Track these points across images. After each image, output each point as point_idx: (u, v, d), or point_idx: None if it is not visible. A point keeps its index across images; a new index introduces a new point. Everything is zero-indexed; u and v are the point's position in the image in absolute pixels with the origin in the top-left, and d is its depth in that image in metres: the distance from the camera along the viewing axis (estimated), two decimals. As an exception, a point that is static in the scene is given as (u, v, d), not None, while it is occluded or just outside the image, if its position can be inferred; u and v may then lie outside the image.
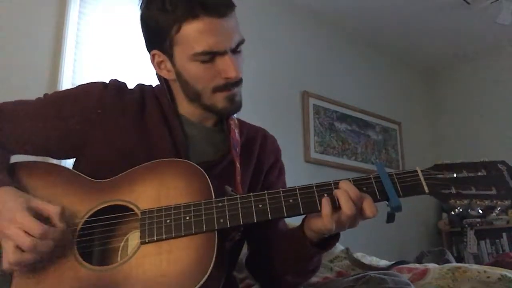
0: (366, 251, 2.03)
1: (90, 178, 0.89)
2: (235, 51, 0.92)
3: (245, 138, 1.06)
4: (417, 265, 1.50)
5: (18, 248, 0.75)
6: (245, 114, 1.12)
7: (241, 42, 0.93)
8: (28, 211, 0.77)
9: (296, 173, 2.97)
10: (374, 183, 0.81)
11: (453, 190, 0.79)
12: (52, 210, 0.79)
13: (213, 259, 0.77)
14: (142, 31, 0.97)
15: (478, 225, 3.58)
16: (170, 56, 0.93)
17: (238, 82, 0.94)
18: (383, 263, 1.82)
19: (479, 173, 0.80)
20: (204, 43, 0.87)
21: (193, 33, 0.87)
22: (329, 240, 0.88)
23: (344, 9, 3.57)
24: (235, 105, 0.96)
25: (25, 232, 0.75)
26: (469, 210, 0.78)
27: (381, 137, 3.93)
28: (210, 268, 0.76)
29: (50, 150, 0.99)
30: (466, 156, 0.85)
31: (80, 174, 0.91)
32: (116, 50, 2.44)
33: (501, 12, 3.40)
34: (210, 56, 0.89)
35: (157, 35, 0.92)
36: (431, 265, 1.42)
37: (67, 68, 2.23)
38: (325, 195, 0.80)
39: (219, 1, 0.88)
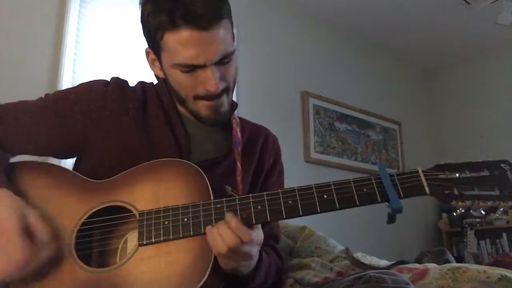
0: (366, 251, 2.02)
1: (88, 179, 0.89)
2: (220, 63, 0.89)
3: (247, 137, 1.06)
4: (417, 265, 1.50)
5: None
6: (245, 114, 1.12)
7: (228, 54, 0.90)
8: (19, 228, 0.75)
9: (296, 173, 2.97)
10: (374, 184, 0.80)
11: (455, 191, 0.78)
12: (40, 235, 0.77)
13: (211, 261, 0.77)
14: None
15: (478, 225, 3.57)
16: (159, 58, 0.94)
17: (220, 94, 0.92)
18: (383, 263, 1.82)
19: (482, 173, 0.79)
20: (184, 55, 0.86)
21: (174, 44, 0.86)
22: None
23: (344, 9, 3.56)
24: (219, 115, 0.95)
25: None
26: (471, 211, 0.77)
27: (381, 137, 3.93)
28: (208, 270, 0.76)
29: (52, 150, 0.99)
30: (467, 157, 0.84)
31: (78, 174, 0.91)
32: (116, 50, 2.43)
33: (501, 12, 3.40)
34: (190, 68, 0.88)
35: (148, 36, 0.92)
36: (431, 265, 1.42)
37: (67, 68, 2.23)
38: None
39: (203, 14, 0.83)
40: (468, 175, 0.79)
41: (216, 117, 0.95)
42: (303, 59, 3.49)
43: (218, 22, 0.86)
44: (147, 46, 0.96)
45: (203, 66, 0.87)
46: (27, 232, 0.77)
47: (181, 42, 0.85)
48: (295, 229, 1.91)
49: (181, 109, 1.00)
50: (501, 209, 0.76)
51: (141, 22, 0.93)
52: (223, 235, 0.76)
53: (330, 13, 3.60)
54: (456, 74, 4.50)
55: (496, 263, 2.40)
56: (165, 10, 0.85)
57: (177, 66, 0.88)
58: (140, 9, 0.93)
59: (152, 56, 0.96)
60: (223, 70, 0.90)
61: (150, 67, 0.99)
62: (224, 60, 0.89)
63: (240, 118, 1.09)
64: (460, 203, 0.77)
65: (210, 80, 0.88)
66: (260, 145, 1.07)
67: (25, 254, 0.74)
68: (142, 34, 0.96)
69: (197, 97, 0.92)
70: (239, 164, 0.98)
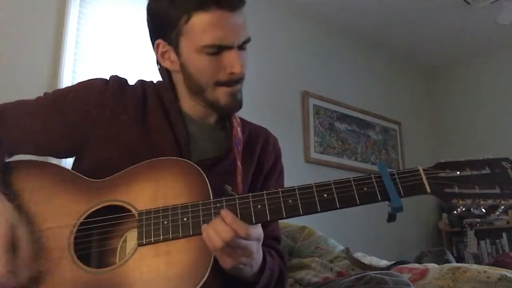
0: (366, 251, 2.02)
1: (86, 178, 0.89)
2: (241, 47, 0.92)
3: (247, 137, 1.06)
4: (417, 265, 1.49)
5: None
6: (245, 114, 1.11)
7: (248, 40, 0.93)
8: (6, 242, 0.76)
9: (296, 173, 2.96)
10: (375, 183, 0.79)
11: (456, 190, 0.77)
12: (23, 254, 0.78)
13: (211, 261, 0.77)
14: (148, 20, 0.97)
15: (478, 225, 3.57)
16: (176, 47, 0.93)
17: (240, 79, 0.94)
18: (383, 263, 1.81)
19: (483, 171, 0.77)
20: (213, 36, 0.87)
21: (203, 25, 0.87)
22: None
23: (344, 9, 3.56)
24: (236, 102, 0.96)
25: None
26: (471, 209, 0.76)
27: (381, 137, 3.93)
28: (208, 270, 0.76)
29: (52, 149, 0.98)
30: (467, 157, 0.83)
31: (77, 173, 0.90)
32: (116, 49, 2.43)
33: (501, 12, 3.40)
34: (217, 49, 0.89)
35: (164, 25, 0.92)
36: (431, 265, 1.42)
37: (67, 67, 2.23)
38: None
39: None
40: (469, 173, 0.78)
41: (233, 105, 0.96)
42: (303, 59, 3.49)
43: (243, 5, 0.91)
44: (156, 39, 0.96)
45: (230, 47, 0.89)
46: (13, 245, 0.77)
47: (212, 23, 0.87)
48: (295, 229, 1.91)
49: (184, 106, 1.00)
50: (502, 207, 0.75)
51: (153, 12, 0.94)
52: (218, 229, 0.76)
53: (330, 13, 3.60)
54: (456, 74, 4.50)
55: (496, 263, 2.40)
56: None
57: (203, 49, 0.89)
58: (151, 4, 0.94)
59: (163, 48, 0.95)
60: (242, 55, 0.92)
61: (159, 60, 0.99)
62: (244, 45, 0.93)
63: (241, 118, 1.09)
64: (461, 202, 0.76)
65: (236, 62, 0.90)
66: (260, 146, 1.07)
67: (5, 269, 0.74)
68: (151, 26, 0.96)
69: (218, 83, 0.93)
70: (239, 164, 0.98)
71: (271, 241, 1.00)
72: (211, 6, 0.86)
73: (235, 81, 0.93)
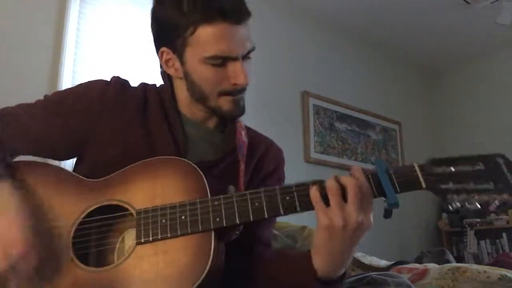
0: (366, 251, 2.03)
1: (84, 178, 0.89)
2: (245, 57, 0.93)
3: (248, 143, 1.05)
4: (417, 265, 1.50)
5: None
6: (245, 114, 1.11)
7: (252, 49, 0.94)
8: (26, 227, 0.77)
9: (296, 173, 2.97)
10: (371, 179, 0.79)
11: (451, 185, 0.77)
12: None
13: (210, 259, 0.77)
14: (152, 27, 0.97)
15: (478, 225, 3.57)
16: (180, 56, 0.93)
17: (244, 89, 0.95)
18: (383, 263, 1.82)
19: (477, 167, 0.78)
20: (218, 48, 0.88)
21: (208, 37, 0.88)
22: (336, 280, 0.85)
23: (344, 9, 3.57)
24: (239, 109, 0.97)
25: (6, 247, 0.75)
26: (466, 204, 0.77)
27: (381, 137, 3.93)
28: (207, 268, 0.75)
29: (52, 150, 0.98)
30: (466, 156, 0.84)
31: (75, 173, 0.90)
32: (116, 50, 2.43)
33: (501, 12, 3.40)
34: (221, 61, 0.90)
35: (170, 33, 0.92)
36: (431, 265, 1.42)
37: (67, 68, 2.23)
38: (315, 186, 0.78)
39: (236, 8, 0.89)
40: (463, 169, 0.78)
41: (236, 111, 0.97)
42: (303, 59, 3.49)
43: (247, 17, 0.92)
44: (160, 46, 0.96)
45: (234, 59, 0.90)
46: None
47: (217, 35, 0.88)
48: (295, 229, 1.91)
49: (183, 110, 1.00)
50: (496, 201, 0.76)
51: (158, 20, 0.95)
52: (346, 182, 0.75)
53: (330, 13, 3.60)
54: (456, 74, 4.50)
55: (496, 263, 2.40)
56: (200, 5, 0.87)
57: (208, 60, 0.89)
58: (156, 8, 0.94)
59: (167, 56, 0.96)
60: (247, 65, 0.93)
61: (164, 67, 0.99)
62: (248, 55, 0.94)
63: (246, 126, 1.09)
64: (456, 197, 0.76)
65: (240, 73, 0.90)
66: (261, 153, 1.06)
67: (36, 260, 0.76)
68: (156, 33, 0.97)
69: (221, 93, 0.94)
70: (242, 166, 0.98)
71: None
72: (216, 19, 0.87)
73: (238, 91, 0.94)
